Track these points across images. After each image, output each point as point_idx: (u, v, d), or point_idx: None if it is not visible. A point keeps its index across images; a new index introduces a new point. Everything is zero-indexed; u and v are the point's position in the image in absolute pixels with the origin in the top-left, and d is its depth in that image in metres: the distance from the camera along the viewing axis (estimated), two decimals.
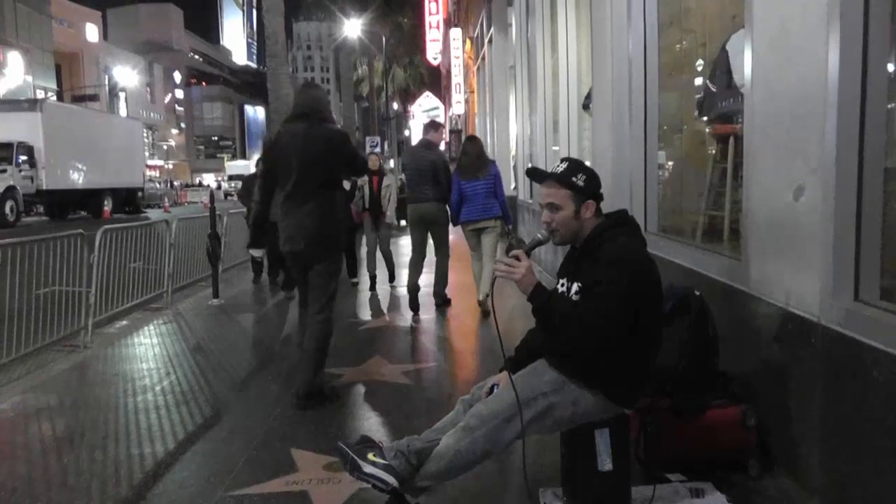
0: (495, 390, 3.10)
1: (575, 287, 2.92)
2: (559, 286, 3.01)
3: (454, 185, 7.74)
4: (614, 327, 2.72)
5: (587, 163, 3.51)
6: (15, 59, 46.43)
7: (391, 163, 53.29)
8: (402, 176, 21.85)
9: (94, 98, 55.57)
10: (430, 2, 33.62)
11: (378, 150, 36.39)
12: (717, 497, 3.28)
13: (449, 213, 7.90)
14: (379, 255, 10.05)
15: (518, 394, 2.87)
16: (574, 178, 2.93)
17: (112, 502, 3.57)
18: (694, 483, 3.40)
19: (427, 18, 34.04)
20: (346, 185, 8.52)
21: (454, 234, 8.21)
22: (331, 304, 5.06)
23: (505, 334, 3.09)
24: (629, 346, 2.84)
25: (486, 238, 7.75)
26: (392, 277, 10.24)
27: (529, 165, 13.07)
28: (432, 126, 8.43)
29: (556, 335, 2.85)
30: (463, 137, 28.96)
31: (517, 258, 2.87)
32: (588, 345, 2.77)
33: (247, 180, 11.38)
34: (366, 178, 9.47)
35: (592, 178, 2.97)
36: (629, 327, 2.77)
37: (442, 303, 8.19)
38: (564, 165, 3.00)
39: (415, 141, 11.45)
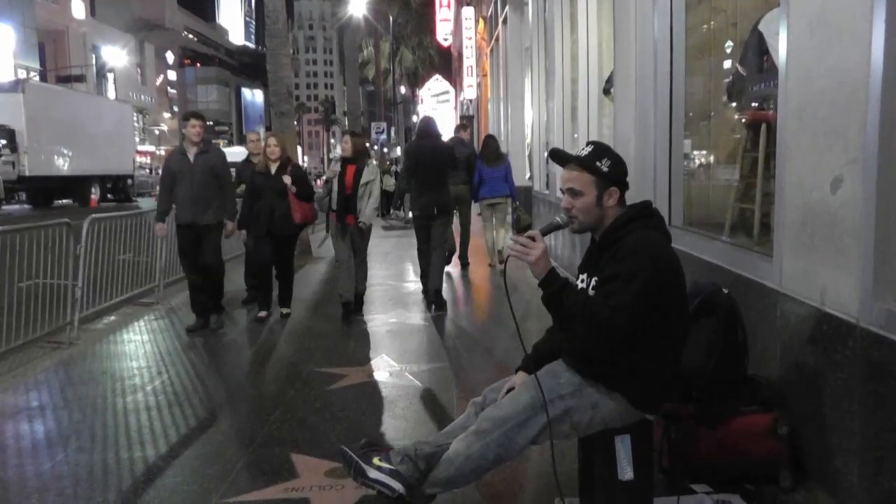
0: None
1: (593, 282, 2.92)
2: (579, 282, 3.00)
3: (477, 170, 10.67)
4: (627, 324, 2.70)
5: None
6: (7, 35, 46.27)
7: (398, 150, 53.30)
8: (396, 167, 21.73)
9: (80, 79, 55.65)
10: None
11: (384, 135, 36.04)
12: None
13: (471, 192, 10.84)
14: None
15: (536, 395, 2.86)
16: (598, 163, 2.92)
17: None
18: (720, 495, 3.40)
19: None
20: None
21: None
22: (446, 242, 8.80)
23: (520, 331, 3.09)
24: (651, 347, 2.83)
25: (498, 210, 10.80)
26: (359, 305, 8.06)
27: (546, 155, 13.08)
28: (462, 126, 12.39)
29: (567, 327, 2.85)
30: (475, 123, 29.20)
31: (532, 238, 2.83)
32: (598, 340, 2.77)
33: (240, 168, 9.04)
34: (336, 168, 7.83)
35: (618, 163, 2.95)
36: (650, 326, 2.77)
37: (466, 264, 11.10)
38: (589, 149, 2.99)
39: None
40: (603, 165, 2.91)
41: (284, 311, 7.99)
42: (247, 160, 8.84)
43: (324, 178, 8.06)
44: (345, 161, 7.80)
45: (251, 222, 7.79)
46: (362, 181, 7.67)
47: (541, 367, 3.09)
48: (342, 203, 7.70)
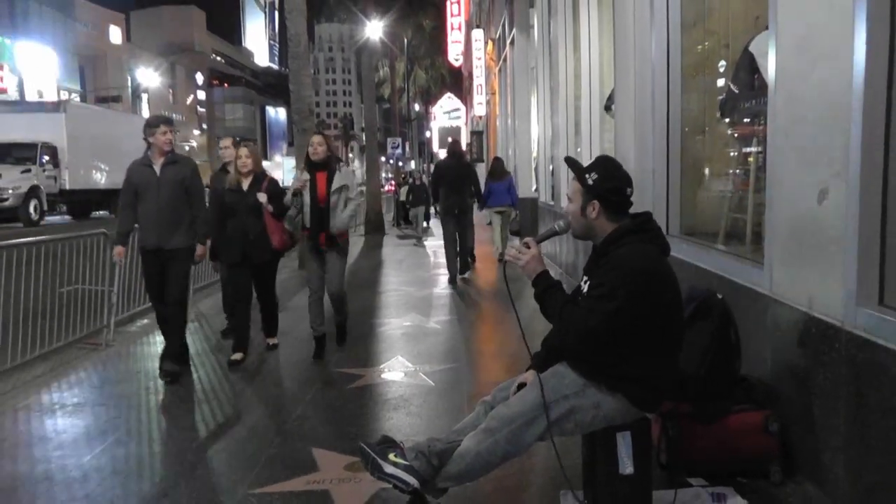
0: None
1: (586, 288, 2.95)
2: (583, 283, 3.03)
3: (486, 184, 12.57)
4: (602, 329, 2.73)
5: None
6: (51, 59, 46.56)
7: (412, 164, 53.29)
8: (412, 180, 22.01)
9: (117, 99, 56.13)
10: (452, 3, 33.66)
11: (399, 149, 35.93)
12: (738, 502, 3.27)
13: (475, 203, 11.94)
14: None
15: (541, 394, 2.88)
16: (587, 175, 2.94)
17: (135, 499, 3.61)
18: (715, 488, 3.39)
19: (449, 20, 34.07)
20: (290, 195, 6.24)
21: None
22: (472, 233, 11.52)
23: (526, 332, 3.11)
24: (648, 351, 2.84)
25: (503, 216, 12.61)
26: (342, 336, 6.81)
27: (551, 168, 13.11)
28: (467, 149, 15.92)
29: (554, 324, 2.90)
30: (483, 139, 29.29)
31: (527, 245, 2.98)
32: (577, 341, 2.81)
33: (213, 178, 7.37)
34: (305, 176, 6.26)
35: (605, 179, 2.93)
36: (643, 332, 2.78)
37: (473, 260, 12.38)
38: (591, 162, 3.04)
39: (435, 144, 14.51)
40: (589, 178, 2.93)
41: (271, 341, 6.69)
42: (222, 169, 7.07)
43: (290, 190, 6.27)
44: (313, 167, 6.23)
45: (222, 248, 6.36)
46: (334, 187, 6.18)
47: (550, 363, 3.11)
48: (316, 218, 6.19)
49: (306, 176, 6.22)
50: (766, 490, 3.42)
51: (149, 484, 3.78)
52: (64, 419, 4.84)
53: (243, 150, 6.36)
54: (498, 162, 13.37)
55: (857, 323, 2.96)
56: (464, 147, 18.24)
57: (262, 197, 6.16)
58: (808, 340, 3.35)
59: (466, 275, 11.09)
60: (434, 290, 10.11)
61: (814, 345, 3.30)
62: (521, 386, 3.09)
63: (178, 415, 4.89)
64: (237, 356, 6.18)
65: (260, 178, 6.35)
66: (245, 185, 6.28)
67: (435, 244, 16.65)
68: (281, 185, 6.78)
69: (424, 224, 21.78)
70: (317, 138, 6.31)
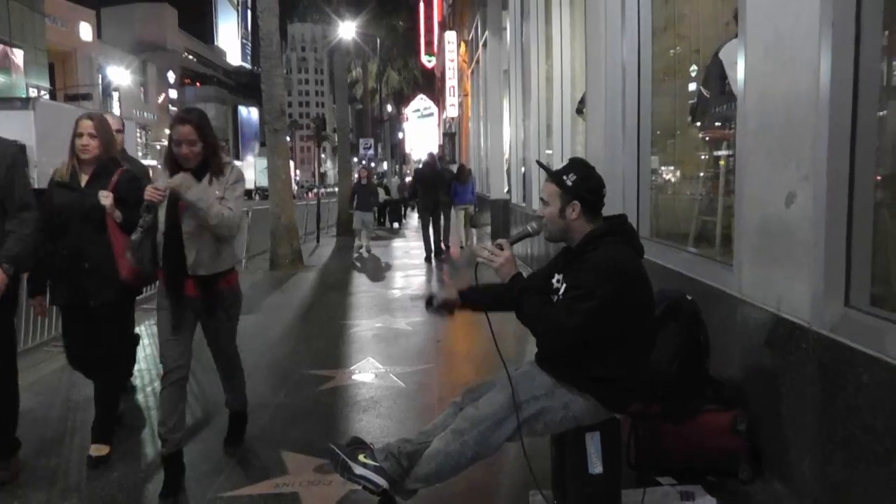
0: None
1: (563, 288, 2.95)
2: (555, 281, 3.03)
3: (453, 186, 14.88)
4: (580, 329, 2.73)
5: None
6: (19, 58, 45.99)
7: (384, 165, 53.14)
8: (385, 180, 22.16)
9: (87, 97, 55.24)
10: (425, 5, 33.67)
11: (372, 150, 35.90)
12: (707, 500, 3.29)
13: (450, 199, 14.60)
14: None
15: (510, 395, 2.87)
16: (564, 177, 2.95)
17: (102, 503, 3.55)
18: (684, 486, 3.40)
19: (422, 21, 34.08)
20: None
21: None
22: (440, 224, 14.04)
23: (497, 335, 3.10)
24: (619, 352, 2.85)
25: (465, 212, 15.55)
26: (238, 432, 4.33)
27: (523, 170, 13.16)
28: (439, 157, 17.63)
29: (529, 326, 2.90)
30: (457, 140, 29.39)
31: (500, 247, 2.95)
32: (553, 341, 2.82)
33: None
34: (176, 179, 3.57)
35: (584, 180, 2.96)
36: (616, 333, 2.79)
37: (447, 249, 14.56)
38: (565, 164, 3.04)
39: (408, 145, 16.60)
40: (568, 180, 2.94)
41: (95, 451, 3.98)
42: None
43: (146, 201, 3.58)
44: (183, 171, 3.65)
45: (50, 281, 4.16)
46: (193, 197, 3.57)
47: (480, 294, 3.16)
48: (177, 254, 3.69)
49: (175, 180, 3.59)
50: (735, 488, 3.45)
51: (116, 487, 3.72)
52: (31, 423, 4.73)
53: (86, 123, 4.03)
54: (463, 168, 16.61)
55: (824, 323, 3.00)
56: (435, 150, 22.52)
57: (106, 199, 3.89)
58: (776, 341, 3.39)
59: (443, 256, 13.80)
60: (405, 291, 10.09)
61: (782, 345, 3.33)
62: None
63: (144, 419, 4.82)
64: (100, 450, 4.01)
65: (109, 168, 4.06)
66: (84, 179, 4.03)
67: (403, 245, 16.63)
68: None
69: (395, 225, 21.61)
70: (185, 129, 3.61)
